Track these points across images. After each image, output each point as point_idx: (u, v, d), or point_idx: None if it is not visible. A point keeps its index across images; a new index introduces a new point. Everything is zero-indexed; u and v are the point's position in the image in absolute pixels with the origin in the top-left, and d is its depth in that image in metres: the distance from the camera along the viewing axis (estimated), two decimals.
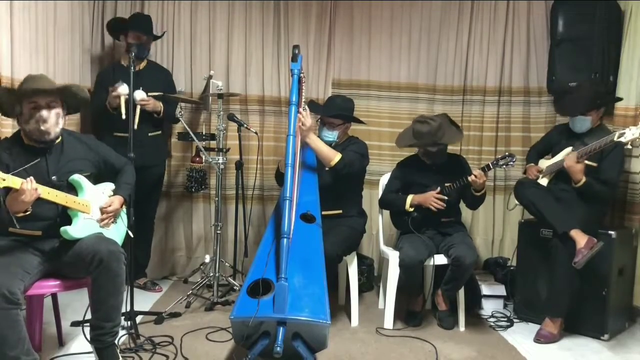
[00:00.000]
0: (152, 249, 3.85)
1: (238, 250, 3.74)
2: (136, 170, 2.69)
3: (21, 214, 2.12)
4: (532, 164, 3.38)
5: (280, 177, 3.23)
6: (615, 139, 2.78)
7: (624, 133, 2.75)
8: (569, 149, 3.12)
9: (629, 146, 2.80)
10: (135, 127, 2.99)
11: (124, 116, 3.16)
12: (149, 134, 3.52)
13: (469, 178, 3.03)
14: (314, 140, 3.01)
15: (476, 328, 3.16)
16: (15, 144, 2.31)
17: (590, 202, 3.02)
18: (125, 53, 3.55)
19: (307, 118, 2.91)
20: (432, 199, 3.12)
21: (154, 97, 3.45)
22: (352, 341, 2.89)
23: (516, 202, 3.29)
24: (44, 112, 2.25)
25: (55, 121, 2.29)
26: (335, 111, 3.21)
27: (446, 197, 3.12)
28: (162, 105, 3.47)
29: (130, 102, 2.91)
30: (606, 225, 3.21)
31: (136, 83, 3.33)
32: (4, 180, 1.97)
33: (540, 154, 3.40)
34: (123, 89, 3.20)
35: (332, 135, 3.22)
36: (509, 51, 3.98)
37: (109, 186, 2.53)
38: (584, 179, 2.93)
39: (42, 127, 2.26)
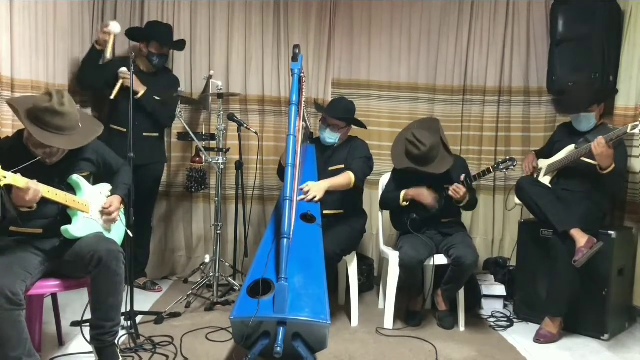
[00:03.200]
0: (152, 249, 3.86)
1: (238, 250, 3.74)
2: None
3: (26, 209, 2.10)
4: (532, 152, 3.41)
5: (282, 171, 3.23)
6: (629, 130, 2.77)
7: (637, 125, 2.75)
8: (572, 146, 3.12)
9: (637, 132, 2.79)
10: (112, 97, 3.07)
11: (108, 55, 3.16)
12: (144, 134, 3.48)
13: (449, 192, 3.08)
14: (329, 186, 2.97)
15: (476, 328, 3.16)
16: (17, 143, 2.30)
17: (596, 197, 3.03)
18: (142, 57, 3.52)
19: (315, 193, 2.88)
20: (426, 195, 3.14)
21: (156, 101, 3.44)
22: (352, 341, 2.89)
23: (516, 202, 3.29)
24: (52, 150, 2.25)
25: (60, 155, 2.30)
26: (342, 114, 3.21)
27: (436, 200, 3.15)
28: (145, 88, 3.41)
29: (131, 97, 2.87)
30: (606, 225, 3.20)
31: (145, 84, 3.38)
32: (4, 177, 1.94)
33: (546, 156, 3.39)
34: (114, 27, 3.16)
35: (334, 137, 3.22)
36: (509, 51, 3.98)
37: (106, 187, 2.53)
38: (613, 165, 2.89)
39: (47, 161, 2.27)
